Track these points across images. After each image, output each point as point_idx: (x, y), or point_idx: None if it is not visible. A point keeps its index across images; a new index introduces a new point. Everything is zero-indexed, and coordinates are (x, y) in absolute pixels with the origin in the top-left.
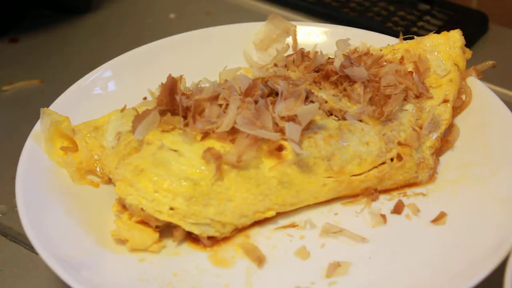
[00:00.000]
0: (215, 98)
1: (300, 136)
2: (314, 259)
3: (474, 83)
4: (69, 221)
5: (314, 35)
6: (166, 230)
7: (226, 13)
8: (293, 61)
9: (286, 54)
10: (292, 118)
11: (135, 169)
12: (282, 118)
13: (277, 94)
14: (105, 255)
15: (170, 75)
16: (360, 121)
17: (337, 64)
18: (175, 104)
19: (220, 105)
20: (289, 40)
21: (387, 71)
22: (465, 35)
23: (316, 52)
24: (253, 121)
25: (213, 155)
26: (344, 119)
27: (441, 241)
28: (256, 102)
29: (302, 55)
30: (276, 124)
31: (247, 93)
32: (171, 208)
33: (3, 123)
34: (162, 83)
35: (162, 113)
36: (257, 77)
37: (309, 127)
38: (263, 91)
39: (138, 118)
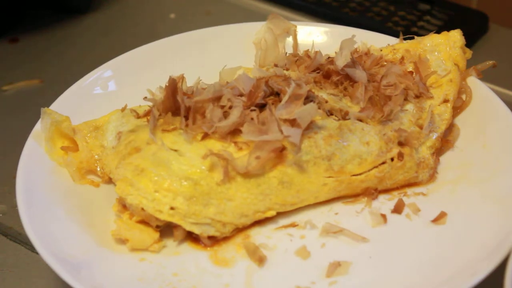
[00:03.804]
0: (217, 99)
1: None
2: (314, 258)
3: (474, 83)
4: (69, 220)
5: (314, 35)
6: (166, 229)
7: (226, 13)
8: (296, 61)
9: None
10: (293, 121)
11: (136, 168)
12: (284, 120)
13: (277, 94)
14: (105, 255)
15: (171, 77)
16: (360, 120)
17: (340, 63)
18: (176, 104)
19: (222, 106)
20: (290, 40)
21: (388, 72)
22: (465, 35)
23: (316, 52)
24: (259, 128)
25: (219, 157)
26: (345, 119)
27: (441, 240)
28: (259, 106)
29: (305, 55)
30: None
31: (251, 95)
32: (172, 208)
33: (3, 123)
34: (165, 85)
35: (163, 112)
36: (258, 77)
37: (310, 127)
38: (265, 92)
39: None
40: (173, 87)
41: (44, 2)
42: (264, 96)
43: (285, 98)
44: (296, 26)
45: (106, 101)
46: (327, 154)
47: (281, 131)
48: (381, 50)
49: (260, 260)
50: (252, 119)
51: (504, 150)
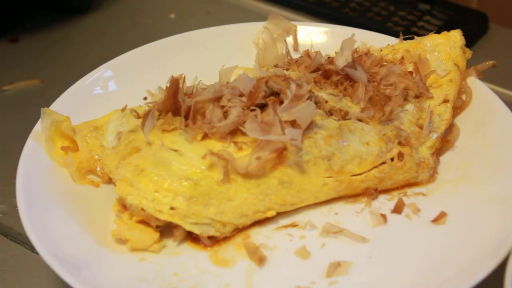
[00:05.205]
0: (217, 99)
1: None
2: (314, 258)
3: (474, 83)
4: (69, 220)
5: (314, 35)
6: (166, 229)
7: (226, 13)
8: (296, 62)
9: (287, 55)
10: (293, 121)
11: (136, 169)
12: (285, 121)
13: (277, 94)
14: (105, 255)
15: (172, 77)
16: (360, 120)
17: (341, 63)
18: (177, 104)
19: (222, 107)
20: (290, 40)
21: (388, 72)
22: (465, 35)
23: (316, 52)
24: (262, 127)
25: (219, 157)
26: (345, 119)
27: (441, 240)
28: (260, 106)
29: (305, 54)
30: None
31: (251, 95)
32: (172, 208)
33: (3, 123)
34: (166, 86)
35: (164, 111)
36: (259, 78)
37: (310, 127)
38: (265, 92)
39: (143, 121)
40: (175, 87)
41: (44, 2)
42: (264, 96)
43: (287, 101)
44: (296, 26)
45: (106, 101)
46: (327, 154)
47: (283, 132)
48: (381, 50)
49: (260, 260)
50: (256, 117)
51: (504, 150)
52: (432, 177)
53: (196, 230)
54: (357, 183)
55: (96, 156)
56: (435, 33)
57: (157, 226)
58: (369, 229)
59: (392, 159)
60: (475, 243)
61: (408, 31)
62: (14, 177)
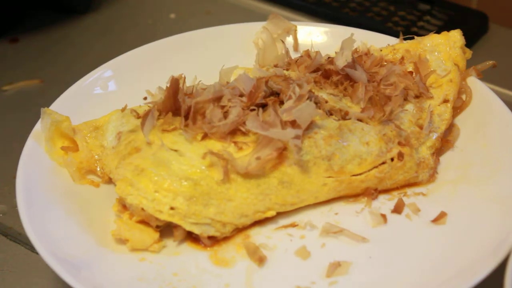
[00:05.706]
0: (217, 99)
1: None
2: (314, 258)
3: (474, 83)
4: (69, 220)
5: (314, 35)
6: (166, 229)
7: (226, 13)
8: (296, 62)
9: (286, 55)
10: (293, 121)
11: (136, 169)
12: (285, 122)
13: (277, 94)
14: (105, 255)
15: (173, 77)
16: (360, 120)
17: (341, 63)
18: (177, 104)
19: (223, 107)
20: (290, 39)
21: (388, 72)
22: (465, 35)
23: (316, 52)
24: (262, 125)
25: (219, 157)
26: (345, 119)
27: (441, 240)
28: (260, 106)
29: (305, 54)
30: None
31: (251, 95)
32: (172, 208)
33: (3, 123)
34: (166, 86)
35: (164, 111)
36: (259, 78)
37: (310, 127)
38: (265, 92)
39: (143, 121)
40: (175, 87)
41: (44, 2)
42: (264, 96)
43: (290, 102)
44: (296, 26)
45: (106, 101)
46: (327, 154)
47: (285, 132)
48: (381, 50)
49: (260, 260)
50: (257, 115)
51: (504, 150)
52: (432, 177)
53: (196, 230)
54: (357, 183)
55: (96, 156)
56: (435, 33)
57: (157, 226)
58: (369, 229)
59: (392, 159)
60: (475, 243)
61: (408, 31)
62: (14, 177)
